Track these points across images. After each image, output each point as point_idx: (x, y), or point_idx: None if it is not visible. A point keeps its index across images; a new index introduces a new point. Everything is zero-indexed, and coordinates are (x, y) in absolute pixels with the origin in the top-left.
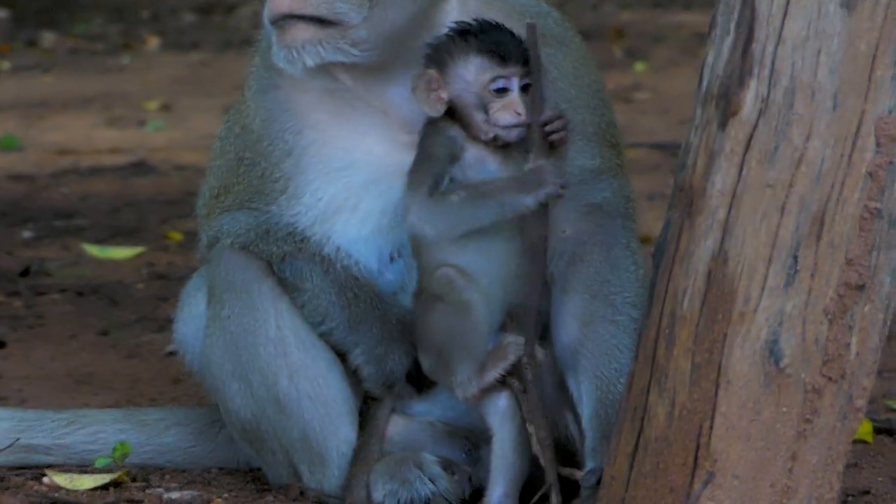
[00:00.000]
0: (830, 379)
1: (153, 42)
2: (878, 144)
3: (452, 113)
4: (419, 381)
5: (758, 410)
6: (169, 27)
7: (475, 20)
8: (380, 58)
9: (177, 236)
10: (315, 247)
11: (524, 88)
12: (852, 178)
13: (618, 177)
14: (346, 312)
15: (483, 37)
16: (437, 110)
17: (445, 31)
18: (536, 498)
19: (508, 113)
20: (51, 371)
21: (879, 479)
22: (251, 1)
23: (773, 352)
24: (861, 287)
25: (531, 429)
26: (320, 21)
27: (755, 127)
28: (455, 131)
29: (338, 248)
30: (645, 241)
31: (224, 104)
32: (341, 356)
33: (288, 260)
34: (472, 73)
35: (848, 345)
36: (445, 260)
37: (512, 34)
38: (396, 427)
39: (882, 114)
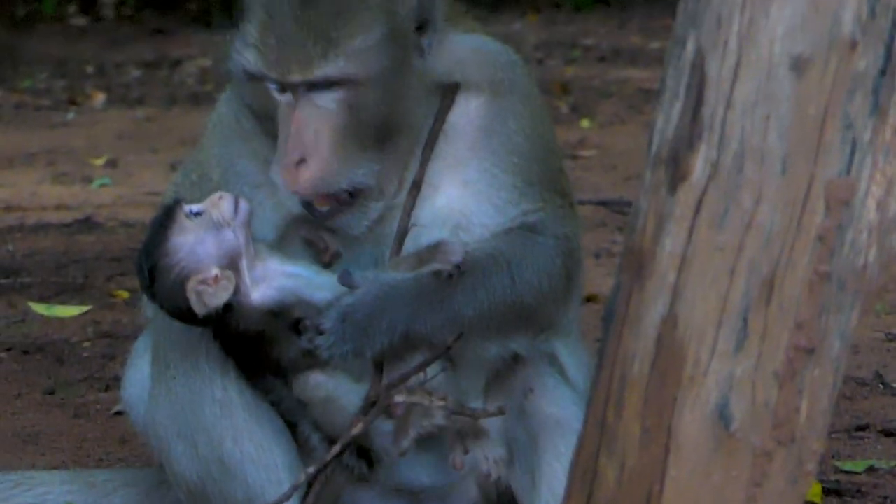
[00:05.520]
0: (780, 443)
1: (98, 97)
2: (827, 208)
3: None
4: (370, 454)
5: (708, 474)
6: (114, 82)
7: None
8: None
9: (123, 294)
10: None
11: None
12: (802, 242)
13: (561, 211)
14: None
15: None
16: None
17: None
18: None
19: None
20: None
21: None
22: (197, 57)
23: (722, 415)
24: (811, 351)
25: None
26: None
27: (705, 191)
28: None
29: None
30: (592, 299)
31: (170, 160)
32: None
33: None
34: None
35: (798, 408)
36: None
37: None
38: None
39: (831, 177)
